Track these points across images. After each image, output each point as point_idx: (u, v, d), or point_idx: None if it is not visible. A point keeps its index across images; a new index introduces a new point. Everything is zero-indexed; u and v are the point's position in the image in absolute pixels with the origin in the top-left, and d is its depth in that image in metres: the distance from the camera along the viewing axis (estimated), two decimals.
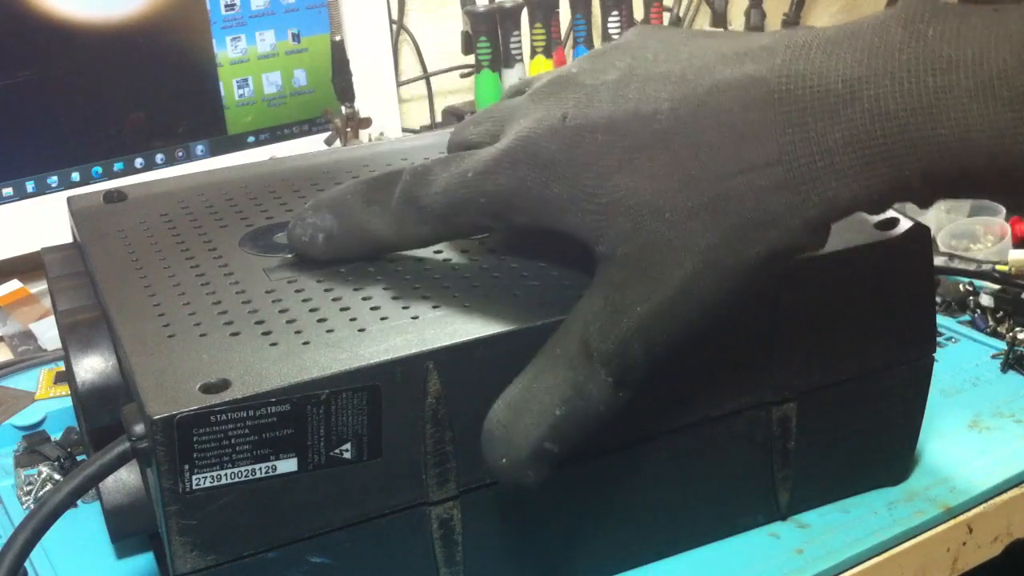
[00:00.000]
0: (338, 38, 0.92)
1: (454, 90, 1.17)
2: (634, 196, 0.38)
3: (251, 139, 0.95)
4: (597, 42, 1.10)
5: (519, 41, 1.05)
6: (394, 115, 1.05)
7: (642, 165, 0.38)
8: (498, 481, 0.41)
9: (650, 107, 0.38)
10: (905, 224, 0.48)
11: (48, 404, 0.63)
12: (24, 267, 0.82)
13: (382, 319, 0.42)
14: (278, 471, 0.38)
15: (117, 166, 0.88)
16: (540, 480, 0.39)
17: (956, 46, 0.35)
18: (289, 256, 0.48)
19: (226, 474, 0.37)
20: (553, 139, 0.40)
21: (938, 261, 0.73)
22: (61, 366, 0.67)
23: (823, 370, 0.48)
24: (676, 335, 0.39)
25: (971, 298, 0.69)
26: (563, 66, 0.45)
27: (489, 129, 0.44)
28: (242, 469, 0.38)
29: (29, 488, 0.55)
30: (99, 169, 0.88)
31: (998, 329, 0.66)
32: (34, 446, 0.58)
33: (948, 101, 0.34)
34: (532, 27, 1.06)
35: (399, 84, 1.10)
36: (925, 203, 0.37)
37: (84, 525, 0.51)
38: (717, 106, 0.37)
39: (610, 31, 1.09)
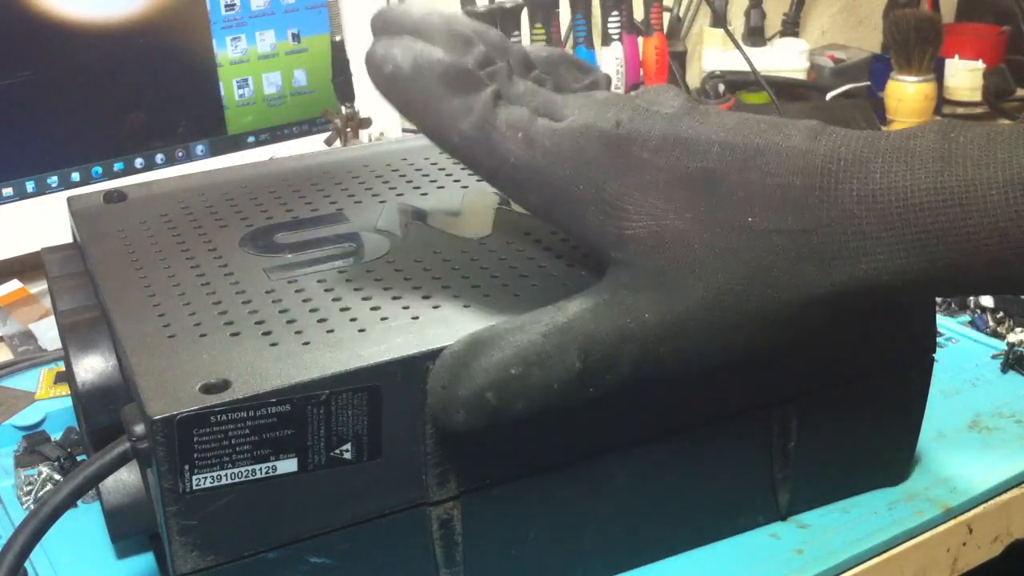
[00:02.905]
0: (338, 38, 0.92)
1: None
2: (665, 219, 0.39)
3: (251, 139, 0.95)
4: (597, 42, 1.10)
5: (519, 41, 1.05)
6: (394, 115, 1.05)
7: (681, 195, 0.39)
8: (432, 410, 0.40)
9: (702, 144, 0.40)
10: None
11: (48, 404, 0.63)
12: (24, 267, 0.82)
13: (382, 319, 0.42)
14: (278, 471, 0.38)
15: (117, 166, 0.88)
16: (467, 426, 0.39)
17: (986, 149, 0.37)
18: (290, 256, 0.48)
19: (226, 474, 0.37)
20: (601, 139, 0.40)
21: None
22: (61, 366, 0.67)
23: (823, 371, 0.48)
24: (668, 363, 0.39)
25: (971, 298, 0.69)
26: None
27: (545, 102, 0.43)
28: (242, 469, 0.38)
29: (29, 488, 0.55)
30: (99, 169, 0.88)
31: (998, 329, 0.66)
32: (34, 446, 0.58)
33: (978, 193, 0.36)
34: (532, 27, 1.06)
35: None
36: (951, 294, 0.39)
37: (84, 525, 0.51)
38: (765, 165, 0.39)
39: (610, 31, 1.09)
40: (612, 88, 0.48)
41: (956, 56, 1.19)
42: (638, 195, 0.39)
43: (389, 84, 0.42)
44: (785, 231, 0.38)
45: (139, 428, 0.38)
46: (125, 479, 0.45)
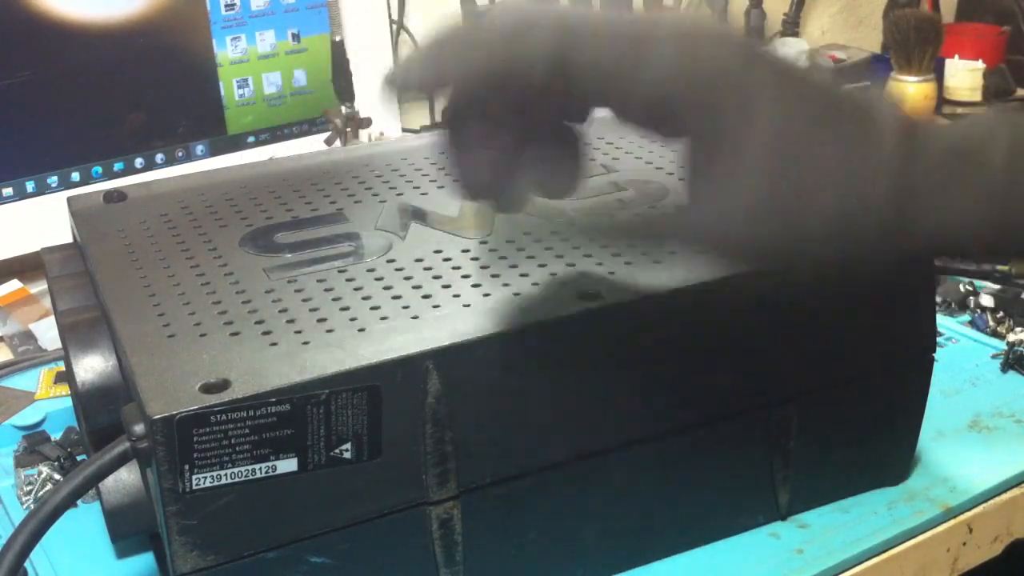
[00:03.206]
0: (338, 38, 0.92)
1: None
2: (776, 131, 0.36)
3: (251, 139, 0.95)
4: None
5: None
6: (394, 115, 1.05)
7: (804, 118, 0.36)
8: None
9: (788, 65, 0.37)
10: None
11: (48, 404, 0.63)
12: (24, 267, 0.82)
13: (382, 319, 0.42)
14: (278, 471, 0.38)
15: (117, 166, 0.88)
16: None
17: None
18: (289, 256, 0.48)
19: (226, 474, 0.37)
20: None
21: (938, 261, 0.73)
22: (61, 366, 0.67)
23: (823, 371, 0.48)
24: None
25: (971, 298, 0.69)
26: None
27: None
28: (242, 469, 0.38)
29: (29, 488, 0.55)
30: (99, 169, 0.88)
31: (998, 329, 0.66)
32: (34, 446, 0.58)
33: None
34: None
35: None
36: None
37: (84, 525, 0.51)
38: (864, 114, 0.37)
39: None
40: None
41: (956, 56, 1.19)
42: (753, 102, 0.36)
43: None
44: (870, 190, 0.36)
45: (139, 428, 0.38)
46: (125, 479, 0.45)
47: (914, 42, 1.09)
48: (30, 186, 0.85)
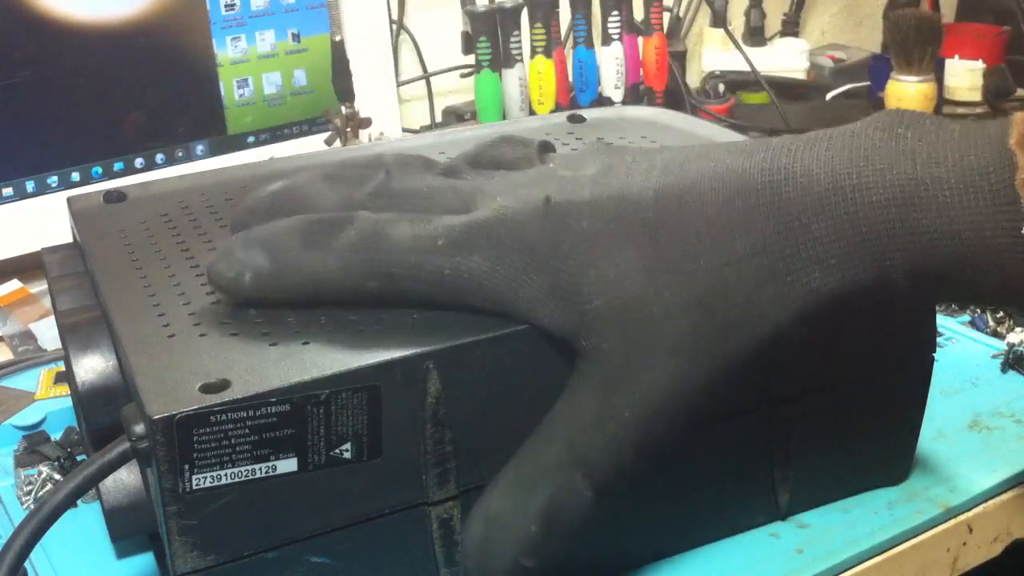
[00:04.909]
0: (338, 38, 0.92)
1: (454, 90, 1.17)
2: (620, 289, 0.37)
3: (251, 139, 0.95)
4: (597, 42, 1.10)
5: (519, 41, 1.05)
6: (394, 115, 1.05)
7: (629, 257, 0.37)
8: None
9: (634, 194, 0.38)
10: None
11: (48, 404, 0.63)
12: (24, 267, 0.82)
13: (382, 319, 0.42)
14: (278, 471, 0.38)
15: (117, 166, 0.88)
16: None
17: (936, 145, 0.35)
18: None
19: (226, 474, 0.37)
20: (536, 222, 0.38)
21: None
22: (61, 366, 0.67)
23: (823, 371, 0.48)
24: (667, 435, 0.38)
25: None
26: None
27: (450, 199, 0.41)
28: (242, 469, 0.38)
29: (29, 488, 0.55)
30: (99, 169, 0.88)
31: (998, 329, 0.66)
32: (34, 446, 0.58)
33: (930, 192, 0.34)
34: (532, 27, 1.06)
35: (399, 84, 1.10)
36: (909, 301, 0.37)
37: (84, 525, 0.51)
38: (700, 196, 0.37)
39: (610, 31, 1.09)
40: (558, 148, 0.46)
41: (956, 56, 1.19)
42: (590, 270, 0.37)
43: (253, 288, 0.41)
44: (736, 260, 0.36)
45: (139, 428, 0.38)
46: (125, 479, 0.45)
47: (914, 42, 1.09)
48: (30, 186, 0.85)
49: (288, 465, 0.38)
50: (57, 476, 0.55)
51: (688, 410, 0.38)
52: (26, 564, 0.42)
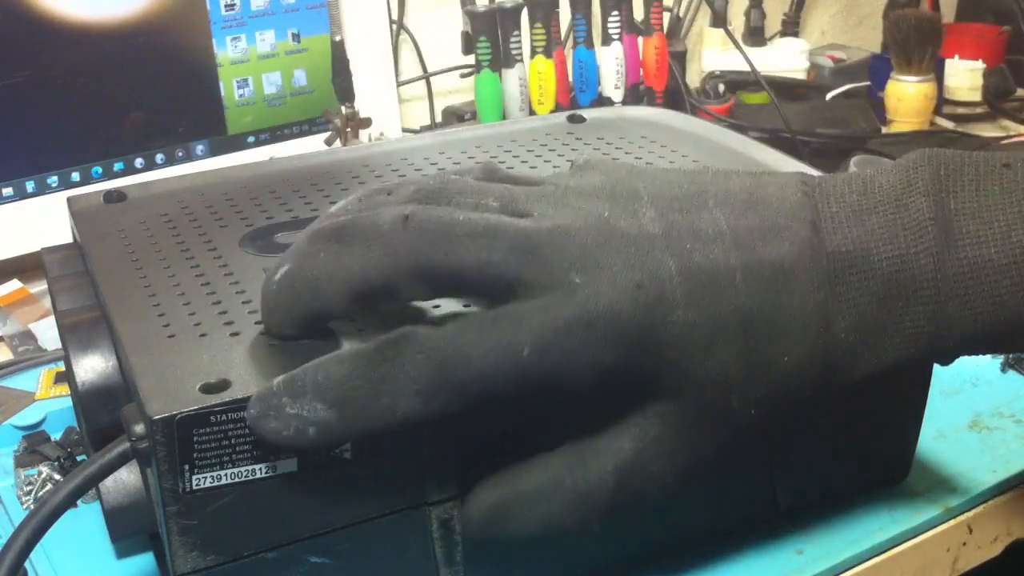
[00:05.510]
0: (338, 38, 0.92)
1: (454, 90, 1.17)
2: (709, 375, 0.38)
3: (251, 139, 0.95)
4: (597, 42, 1.10)
5: (519, 41, 1.05)
6: (394, 115, 1.05)
7: (721, 349, 0.37)
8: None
9: (719, 270, 0.37)
10: None
11: (48, 404, 0.63)
12: (24, 267, 0.82)
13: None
14: (278, 471, 0.38)
15: (117, 166, 0.88)
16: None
17: (981, 220, 0.37)
18: None
19: (226, 474, 0.37)
20: (636, 313, 0.36)
21: None
22: (61, 366, 0.67)
23: None
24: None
25: None
26: (560, 178, 0.41)
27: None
28: (242, 469, 0.38)
29: (29, 488, 0.55)
30: (99, 169, 0.88)
31: None
32: (34, 446, 0.58)
33: (981, 277, 0.37)
34: (532, 27, 1.06)
35: (399, 84, 1.10)
36: (951, 360, 0.40)
37: (84, 525, 0.51)
38: (784, 287, 0.38)
39: (610, 31, 1.09)
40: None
41: (956, 56, 1.19)
42: (689, 359, 0.37)
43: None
44: (807, 359, 0.38)
45: (139, 428, 0.38)
46: (125, 479, 0.45)
47: (914, 42, 1.09)
48: (30, 186, 0.85)
49: (288, 465, 0.38)
50: (57, 476, 0.55)
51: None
52: (26, 564, 0.42)
